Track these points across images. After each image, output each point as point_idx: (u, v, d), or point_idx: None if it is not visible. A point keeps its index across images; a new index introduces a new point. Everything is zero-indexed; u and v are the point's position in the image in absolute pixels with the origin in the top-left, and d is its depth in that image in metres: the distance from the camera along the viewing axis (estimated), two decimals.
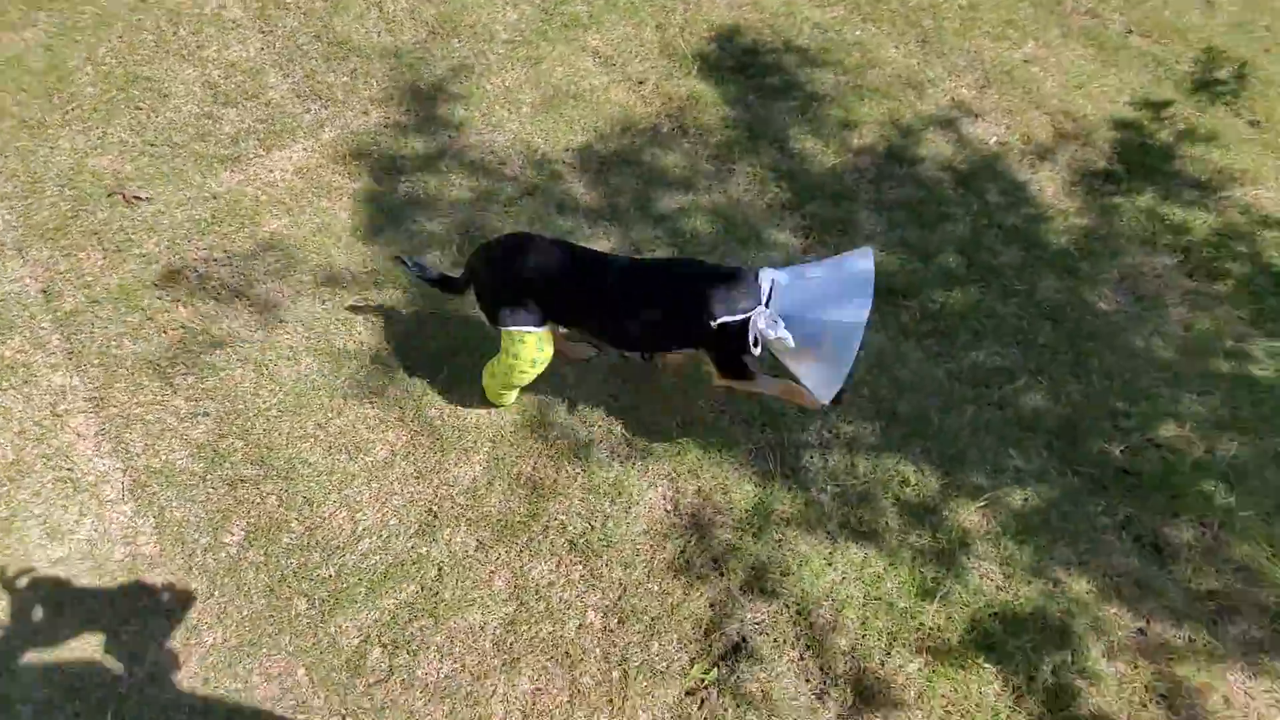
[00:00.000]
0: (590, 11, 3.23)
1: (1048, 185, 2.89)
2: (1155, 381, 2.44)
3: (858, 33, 3.28)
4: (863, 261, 1.67)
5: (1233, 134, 3.10)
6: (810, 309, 1.68)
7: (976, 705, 1.91)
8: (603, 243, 2.60)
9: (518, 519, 2.09)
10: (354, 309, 2.42)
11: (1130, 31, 3.44)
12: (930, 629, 2.00)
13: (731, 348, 1.82)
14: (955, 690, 1.93)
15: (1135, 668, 1.97)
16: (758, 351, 1.74)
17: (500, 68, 3.02)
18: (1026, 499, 2.21)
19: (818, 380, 1.73)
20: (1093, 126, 3.07)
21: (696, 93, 3.02)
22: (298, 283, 2.47)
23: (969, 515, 2.16)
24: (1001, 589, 2.07)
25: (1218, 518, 2.19)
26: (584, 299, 1.88)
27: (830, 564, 2.08)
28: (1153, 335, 2.54)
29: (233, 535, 2.06)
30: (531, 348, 1.92)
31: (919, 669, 1.95)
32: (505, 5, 3.22)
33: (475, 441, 2.19)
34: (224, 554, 2.03)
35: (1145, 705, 1.93)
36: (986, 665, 1.95)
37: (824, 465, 2.23)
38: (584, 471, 2.16)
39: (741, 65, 3.14)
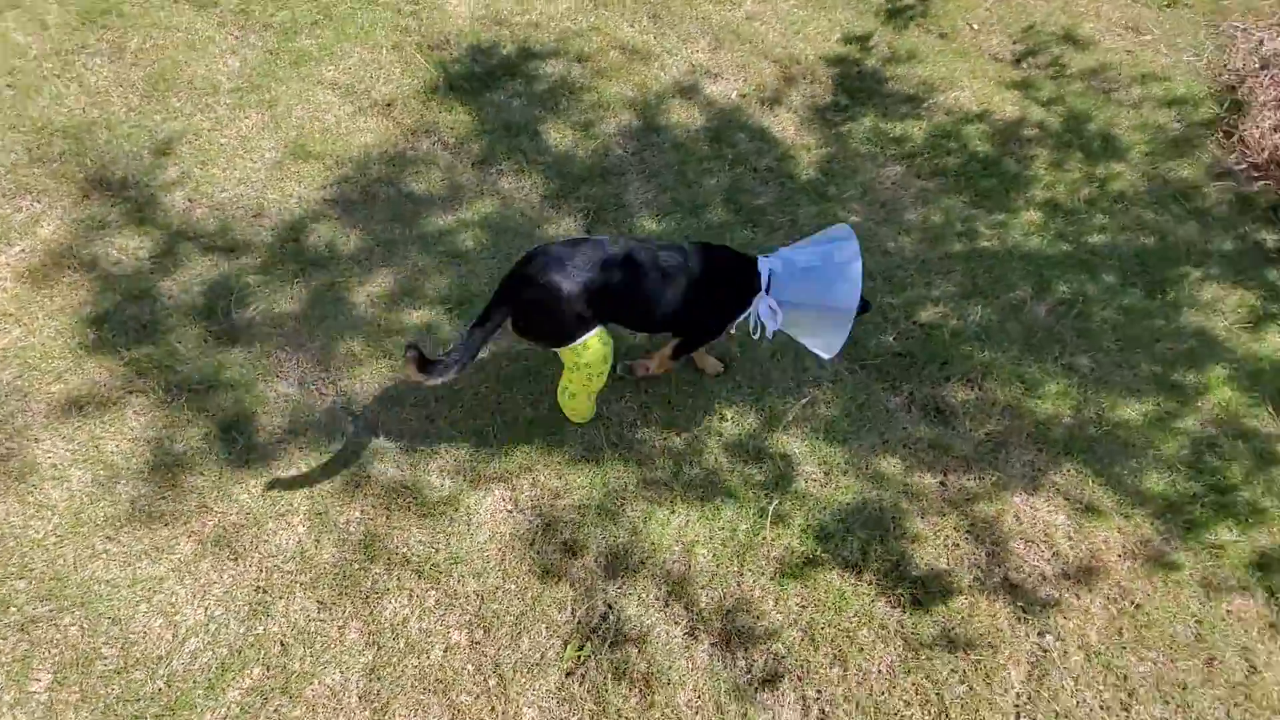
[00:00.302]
0: (319, 44, 3.14)
1: (788, 125, 3.19)
2: (908, 273, 2.78)
3: (592, 19, 3.43)
4: (849, 245, 1.89)
5: (928, 49, 3.57)
6: (807, 297, 1.92)
7: (825, 593, 2.10)
8: (379, 279, 2.55)
9: (356, 567, 2.01)
10: (117, 407, 2.21)
11: None
12: (772, 541, 2.17)
13: (712, 331, 2.12)
14: (805, 587, 2.11)
15: (944, 516, 2.26)
16: (767, 331, 2.00)
17: (232, 119, 2.86)
18: (828, 403, 2.44)
19: (817, 346, 1.99)
20: (814, 66, 3.41)
21: (448, 104, 3.02)
22: (47, 396, 2.22)
23: (783, 432, 2.36)
24: (824, 486, 2.29)
25: (980, 372, 2.55)
26: (625, 292, 1.92)
27: (673, 512, 2.19)
28: (899, 235, 2.89)
29: (39, 681, 1.83)
30: (600, 347, 1.93)
31: (771, 579, 2.11)
32: (224, 53, 3.05)
33: (290, 504, 2.09)
34: (34, 703, 1.80)
35: (958, 545, 2.22)
36: (825, 556, 2.15)
37: (648, 425, 2.34)
38: (414, 499, 2.13)
39: (488, 70, 3.18)
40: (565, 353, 1.95)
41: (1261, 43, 3.74)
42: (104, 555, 1.98)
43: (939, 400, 2.49)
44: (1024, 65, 3.53)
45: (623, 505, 2.18)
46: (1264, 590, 2.23)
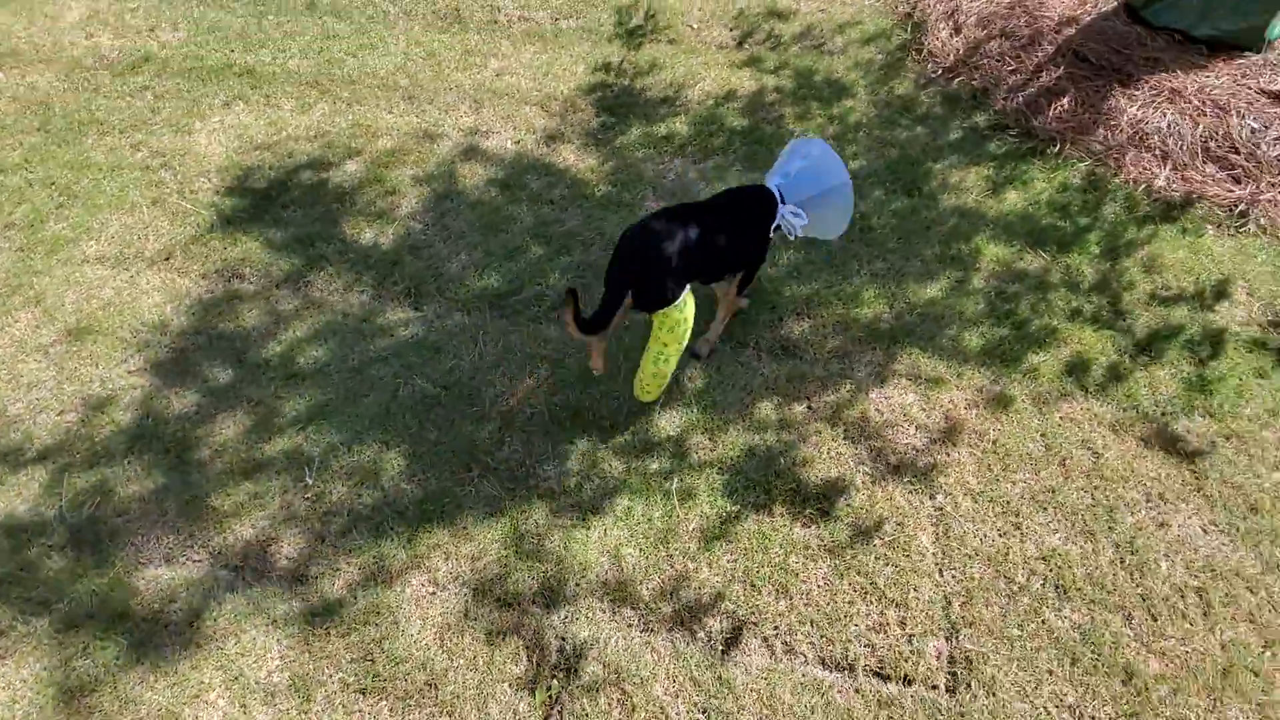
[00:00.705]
0: (71, 225, 2.96)
1: (568, 155, 3.41)
2: None
3: (349, 118, 3.49)
4: (813, 142, 2.50)
5: (664, 56, 3.95)
6: (813, 189, 2.37)
7: (749, 541, 2.24)
8: (221, 428, 2.43)
9: (294, 714, 1.89)
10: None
11: (557, 19, 4.17)
12: (686, 516, 2.28)
13: (763, 255, 2.51)
14: (730, 543, 2.24)
15: (820, 434, 2.48)
16: (796, 230, 2.41)
17: (1, 326, 2.63)
18: (692, 378, 2.62)
19: (834, 228, 2.46)
20: (572, 98, 3.68)
21: (230, 238, 2.96)
22: None
23: (664, 416, 2.50)
24: (714, 450, 2.44)
25: (804, 304, 2.84)
26: (705, 248, 2.24)
27: (589, 528, 2.25)
28: None
29: None
30: (691, 304, 2.25)
31: (699, 549, 2.22)
32: None
33: (200, 682, 1.92)
34: None
35: (841, 453, 2.44)
36: (736, 509, 2.30)
37: (535, 458, 2.39)
38: (331, 623, 2.03)
39: (262, 193, 3.14)
40: (668, 314, 2.20)
41: None
42: None
43: (782, 340, 2.74)
44: (746, 46, 4.00)
45: (539, 541, 2.21)
46: (1079, 389, 2.64)
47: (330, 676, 1.95)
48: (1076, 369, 2.69)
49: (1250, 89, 3.59)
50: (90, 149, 3.28)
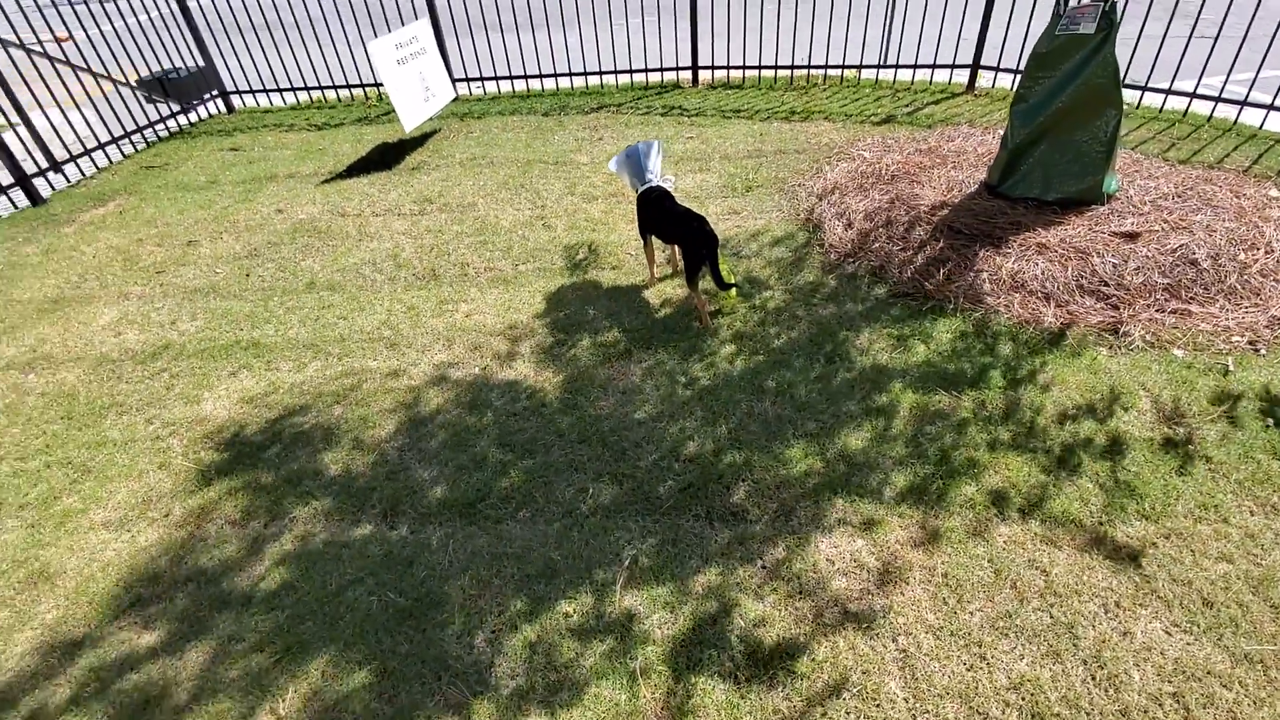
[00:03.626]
0: (82, 496, 3.29)
1: (527, 371, 3.86)
2: (662, 427, 3.36)
3: (339, 368, 4.00)
4: (640, 144, 4.29)
5: (608, 279, 4.62)
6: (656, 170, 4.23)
7: (719, 712, 2.23)
8: (190, 668, 2.53)
9: None
10: None
11: (516, 265, 4.92)
12: (652, 696, 2.29)
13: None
14: (701, 717, 2.22)
15: (775, 591, 2.57)
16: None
17: (7, 601, 2.81)
18: (647, 555, 2.76)
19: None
20: (531, 324, 4.24)
21: (224, 488, 3.26)
22: None
23: (620, 598, 2.60)
24: (675, 625, 2.51)
25: (746, 470, 3.07)
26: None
27: (555, 718, 2.25)
28: (641, 406, 3.52)
29: None
30: None
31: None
32: None
33: None
34: None
35: (799, 610, 2.51)
36: (704, 682, 2.31)
37: (499, 655, 2.45)
38: None
39: (257, 445, 3.51)
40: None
41: (816, 187, 5.39)
42: None
43: (727, 506, 2.93)
44: (674, 263, 4.69)
45: None
46: (1015, 512, 2.78)
47: None
48: (1007, 493, 2.86)
49: (1103, 233, 4.19)
50: (108, 428, 3.72)
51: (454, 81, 8.59)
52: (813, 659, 2.35)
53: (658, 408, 3.49)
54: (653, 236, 4.24)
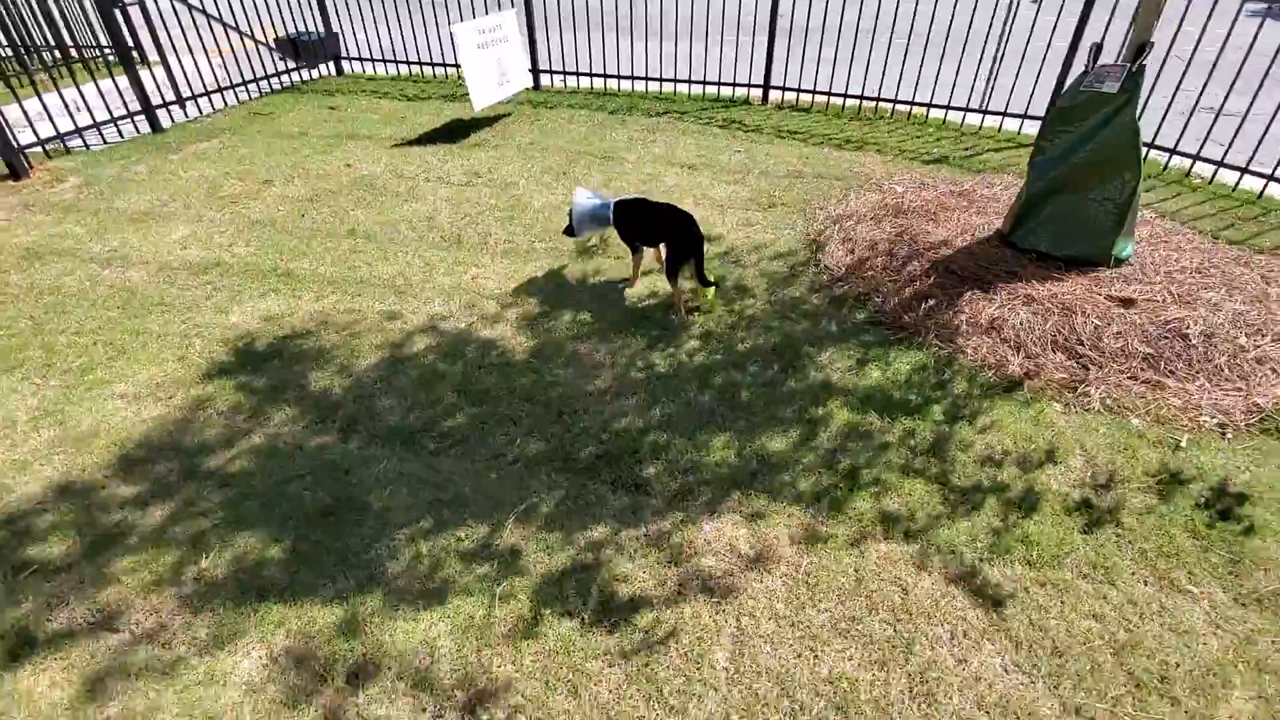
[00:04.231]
0: (113, 372, 3.86)
1: (507, 332, 4.18)
2: (605, 399, 3.60)
3: (349, 304, 4.47)
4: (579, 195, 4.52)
5: (608, 266, 4.89)
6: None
7: (555, 643, 2.46)
8: (160, 510, 2.98)
9: None
10: None
11: (533, 242, 5.28)
12: (504, 617, 2.55)
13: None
14: (538, 643, 2.46)
15: (646, 556, 2.76)
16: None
17: (25, 441, 3.38)
18: (548, 504, 3.01)
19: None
20: (525, 297, 4.58)
21: (222, 385, 3.75)
22: None
23: (508, 532, 2.87)
24: (548, 564, 2.75)
25: (664, 449, 3.27)
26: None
27: (416, 620, 2.54)
28: (595, 378, 3.77)
29: None
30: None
31: (508, 645, 2.45)
32: (24, 396, 3.67)
33: None
34: None
35: (662, 575, 2.70)
36: (551, 614, 2.55)
37: (393, 559, 2.76)
38: (162, 680, 2.34)
39: (261, 355, 4.00)
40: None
41: (835, 212, 5.49)
42: None
43: (635, 477, 3.14)
44: None
45: (371, 628, 2.51)
46: (900, 534, 2.86)
47: None
48: (899, 516, 2.93)
49: (1099, 295, 4.12)
50: (151, 322, 4.32)
51: (536, 72, 9.11)
52: (656, 617, 2.54)
53: (608, 384, 3.73)
54: (641, 245, 4.49)
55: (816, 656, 2.42)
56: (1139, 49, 3.96)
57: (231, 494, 3.09)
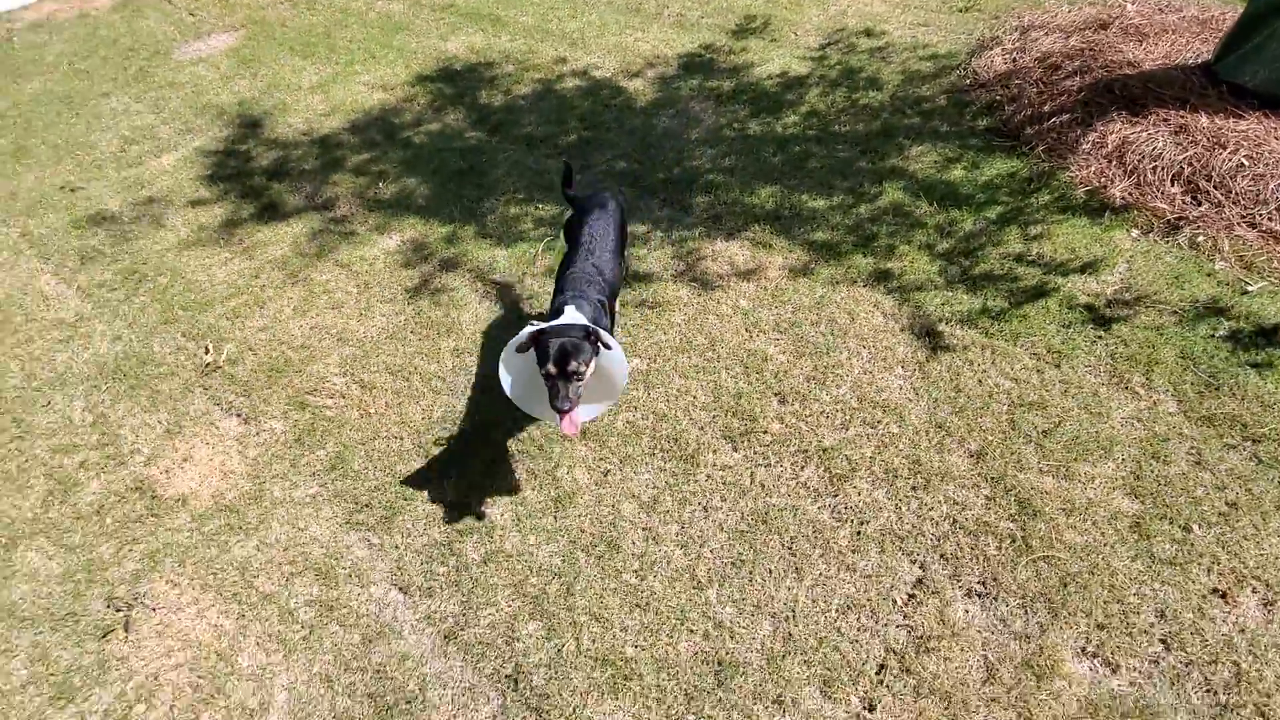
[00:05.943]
0: (362, 65, 5.24)
1: (639, 84, 4.78)
2: (693, 147, 4.15)
3: (532, 46, 5.34)
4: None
5: (757, 47, 5.11)
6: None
7: None
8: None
9: None
10: None
11: (700, 17, 5.61)
12: (540, 257, 3.48)
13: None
14: None
15: (665, 252, 3.47)
16: None
17: (308, 101, 4.91)
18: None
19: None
20: (670, 59, 5.06)
21: (424, 87, 4.94)
22: None
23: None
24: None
25: (718, 186, 3.81)
26: None
27: (490, 246, 3.58)
28: (692, 130, 4.30)
29: None
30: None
31: (535, 282, 3.40)
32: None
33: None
34: None
35: (670, 267, 3.40)
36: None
37: (512, 226, 3.79)
38: (343, 240, 3.68)
39: (456, 73, 5.10)
40: None
41: (1025, 21, 4.99)
42: None
43: (684, 201, 3.77)
44: (824, 50, 4.98)
45: (463, 239, 3.61)
46: (880, 286, 3.20)
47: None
48: (890, 273, 3.24)
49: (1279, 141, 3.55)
50: (396, 39, 5.61)
51: None
52: (653, 291, 3.29)
53: (702, 135, 4.25)
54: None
55: (749, 336, 3.03)
56: None
57: (408, 154, 4.32)
